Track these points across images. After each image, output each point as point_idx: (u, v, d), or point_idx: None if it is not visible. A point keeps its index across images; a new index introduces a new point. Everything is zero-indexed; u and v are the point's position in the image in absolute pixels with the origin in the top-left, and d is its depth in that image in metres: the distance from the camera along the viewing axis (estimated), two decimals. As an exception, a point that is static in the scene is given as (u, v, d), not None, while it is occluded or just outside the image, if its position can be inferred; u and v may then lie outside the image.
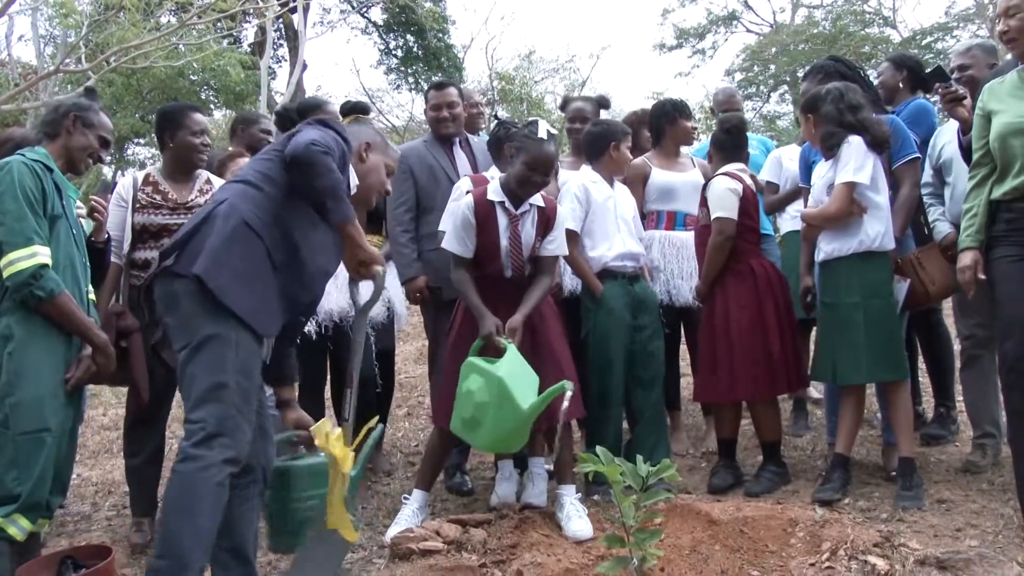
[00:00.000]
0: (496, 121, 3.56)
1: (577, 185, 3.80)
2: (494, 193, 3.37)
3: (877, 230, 3.45)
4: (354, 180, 2.64)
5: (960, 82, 3.60)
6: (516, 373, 3.04)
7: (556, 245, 3.46)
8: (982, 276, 3.13)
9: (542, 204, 3.42)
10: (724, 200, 3.69)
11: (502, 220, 3.34)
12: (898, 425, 3.48)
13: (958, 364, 4.06)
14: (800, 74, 22.20)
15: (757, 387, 3.68)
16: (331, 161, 2.38)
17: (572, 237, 3.73)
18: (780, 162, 4.44)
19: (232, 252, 2.29)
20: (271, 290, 2.38)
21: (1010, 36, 3.09)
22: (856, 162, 3.41)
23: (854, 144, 3.43)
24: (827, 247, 3.53)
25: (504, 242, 3.33)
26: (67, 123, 2.94)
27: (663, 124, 4.36)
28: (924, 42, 20.30)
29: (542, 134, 3.25)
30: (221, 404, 2.23)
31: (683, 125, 4.36)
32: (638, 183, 4.23)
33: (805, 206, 3.85)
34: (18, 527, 2.61)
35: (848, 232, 3.46)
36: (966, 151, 3.36)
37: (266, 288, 2.36)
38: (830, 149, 3.50)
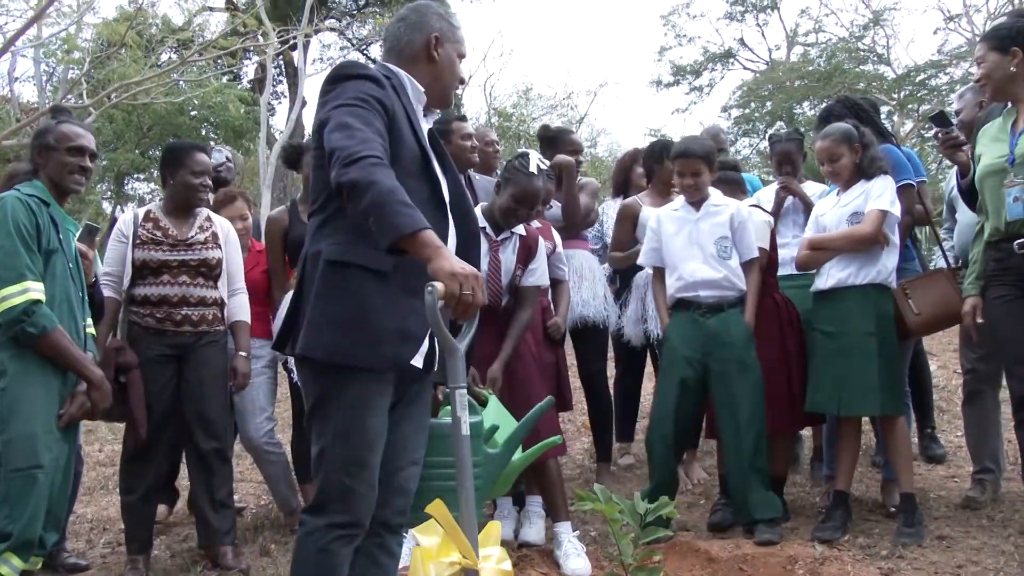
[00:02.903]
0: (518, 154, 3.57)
1: (654, 217, 3.79)
2: None
3: (891, 266, 3.48)
4: (419, 87, 2.27)
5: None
6: (502, 423, 3.03)
7: (537, 276, 3.44)
8: (980, 320, 3.17)
9: (523, 233, 3.42)
10: (762, 232, 3.70)
11: (482, 246, 3.35)
12: (897, 461, 3.46)
13: (959, 398, 4.08)
14: (796, 111, 22.49)
15: (781, 421, 3.64)
16: (367, 172, 1.92)
17: (654, 273, 3.80)
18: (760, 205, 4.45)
19: (325, 307, 2.07)
20: (391, 308, 2.08)
21: (982, 83, 3.17)
22: (891, 195, 3.44)
23: (888, 178, 3.49)
24: (839, 274, 3.48)
25: (483, 266, 3.32)
26: (35, 156, 2.93)
27: (652, 165, 4.43)
28: (918, 79, 20.56)
29: (532, 168, 3.22)
30: (324, 471, 2.12)
31: (669, 166, 4.39)
32: (626, 221, 4.29)
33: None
34: (10, 566, 2.59)
35: (869, 261, 3.45)
36: (965, 193, 3.43)
37: (382, 312, 2.07)
38: (875, 173, 3.48)
